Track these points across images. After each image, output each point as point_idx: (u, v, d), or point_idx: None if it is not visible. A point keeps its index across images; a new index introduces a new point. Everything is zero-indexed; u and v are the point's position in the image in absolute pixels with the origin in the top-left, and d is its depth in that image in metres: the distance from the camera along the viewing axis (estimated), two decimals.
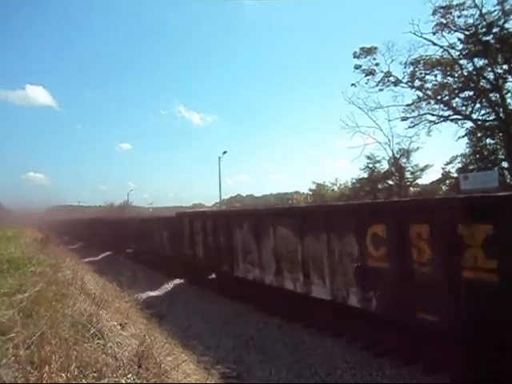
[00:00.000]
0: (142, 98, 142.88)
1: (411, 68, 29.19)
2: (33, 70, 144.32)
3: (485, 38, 24.84)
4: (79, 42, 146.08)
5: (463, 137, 28.44)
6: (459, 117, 28.15)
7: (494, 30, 24.44)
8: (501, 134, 26.20)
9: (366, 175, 35.70)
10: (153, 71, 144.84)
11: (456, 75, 28.32)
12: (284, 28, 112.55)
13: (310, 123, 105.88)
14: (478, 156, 28.09)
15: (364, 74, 31.07)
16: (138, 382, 2.81)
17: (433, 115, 29.46)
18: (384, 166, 34.91)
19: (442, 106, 28.99)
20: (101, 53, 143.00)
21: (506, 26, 24.29)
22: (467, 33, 25.98)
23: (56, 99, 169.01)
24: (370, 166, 35.25)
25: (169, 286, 13.93)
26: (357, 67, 31.21)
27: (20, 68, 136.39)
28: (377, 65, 30.60)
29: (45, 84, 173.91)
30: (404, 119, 30.46)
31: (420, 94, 29.76)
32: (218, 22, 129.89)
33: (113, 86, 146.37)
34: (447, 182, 31.90)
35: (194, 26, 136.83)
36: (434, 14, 26.62)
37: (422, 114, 29.81)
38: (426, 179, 35.03)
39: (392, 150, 33.35)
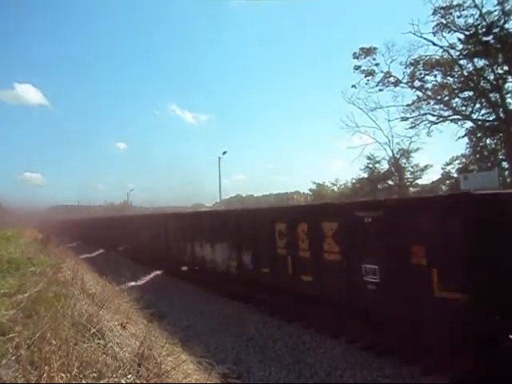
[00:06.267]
0: (135, 97, 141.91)
1: (411, 68, 29.24)
2: (20, 69, 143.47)
3: (485, 39, 24.84)
4: (69, 41, 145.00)
5: (463, 137, 28.56)
6: (459, 117, 28.19)
7: (494, 30, 24.45)
8: (501, 134, 26.22)
9: (365, 175, 35.75)
10: (145, 70, 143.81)
11: (456, 75, 28.36)
12: (278, 27, 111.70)
13: (309, 123, 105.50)
14: (478, 156, 28.12)
15: (364, 75, 31.12)
16: (138, 382, 2.81)
17: (433, 115, 29.55)
18: (384, 166, 34.99)
19: (441, 106, 29.03)
20: (93, 53, 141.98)
21: (506, 26, 24.35)
22: (467, 33, 25.99)
23: (47, 97, 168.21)
24: (370, 166, 35.30)
25: None
26: (356, 68, 31.29)
27: (6, 66, 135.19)
28: (377, 65, 30.67)
29: (34, 82, 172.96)
30: (404, 119, 30.55)
31: (420, 94, 29.85)
32: (207, 23, 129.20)
33: (106, 85, 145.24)
34: (447, 182, 31.92)
35: (184, 26, 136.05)
36: (434, 14, 26.69)
37: (422, 114, 29.90)
38: (426, 179, 35.13)
39: (392, 150, 33.44)
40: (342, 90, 34.50)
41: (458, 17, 26.21)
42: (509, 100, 26.03)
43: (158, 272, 16.37)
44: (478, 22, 25.23)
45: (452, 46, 27.28)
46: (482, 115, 27.29)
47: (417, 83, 29.58)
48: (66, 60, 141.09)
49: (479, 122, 27.30)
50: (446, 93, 28.64)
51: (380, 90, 31.07)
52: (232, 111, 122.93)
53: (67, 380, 2.43)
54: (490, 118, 26.86)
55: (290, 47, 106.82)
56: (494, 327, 4.94)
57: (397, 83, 30.27)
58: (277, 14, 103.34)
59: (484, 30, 24.93)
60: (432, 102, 29.38)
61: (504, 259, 4.72)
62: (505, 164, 26.53)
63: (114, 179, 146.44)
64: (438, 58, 28.21)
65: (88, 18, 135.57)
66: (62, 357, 2.58)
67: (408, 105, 30.06)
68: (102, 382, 2.61)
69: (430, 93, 29.26)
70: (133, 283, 13.39)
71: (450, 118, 28.81)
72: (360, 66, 31.12)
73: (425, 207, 5.91)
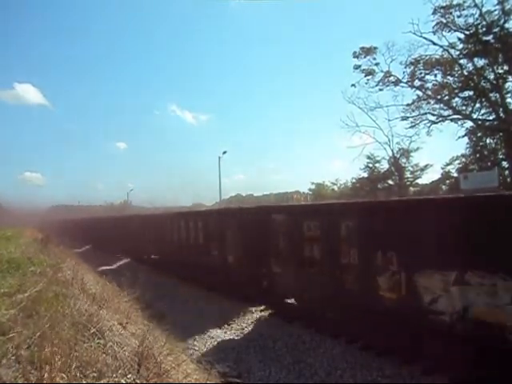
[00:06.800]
0: (135, 97, 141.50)
1: (411, 68, 29.22)
2: (20, 68, 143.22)
3: (485, 38, 24.83)
4: (69, 41, 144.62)
5: (463, 136, 28.55)
6: (459, 116, 28.17)
7: (494, 29, 24.45)
8: (501, 134, 26.22)
9: (365, 175, 35.76)
10: (145, 70, 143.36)
11: (456, 75, 28.35)
12: (278, 27, 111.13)
13: (309, 123, 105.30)
14: (478, 156, 28.11)
15: (364, 74, 31.13)
16: (138, 381, 2.81)
17: (433, 115, 29.53)
18: (384, 165, 35.01)
19: (442, 105, 29.03)
20: (93, 53, 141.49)
21: (506, 25, 24.34)
22: (467, 32, 25.98)
23: (47, 97, 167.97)
24: (370, 165, 35.32)
25: None
26: (356, 67, 31.28)
27: (6, 66, 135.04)
28: (377, 64, 30.65)
29: (34, 82, 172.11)
30: (404, 119, 30.52)
31: (420, 93, 29.83)
32: (207, 23, 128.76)
33: (106, 85, 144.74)
34: (447, 181, 31.92)
35: (184, 26, 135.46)
36: (434, 13, 26.68)
37: (422, 114, 29.87)
38: (426, 179, 35.14)
39: (392, 150, 33.43)
40: (342, 89, 34.57)
41: (458, 16, 26.23)
42: (509, 100, 26.07)
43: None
44: (478, 21, 25.24)
45: (452, 46, 27.29)
46: (482, 115, 27.31)
47: (417, 83, 29.60)
48: (66, 60, 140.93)
49: (479, 122, 27.29)
50: (446, 92, 28.63)
51: (380, 90, 31.08)
52: (232, 111, 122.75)
53: (68, 380, 2.43)
54: (490, 118, 26.87)
55: (290, 47, 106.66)
56: None
57: (397, 83, 30.28)
58: (277, 13, 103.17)
59: (484, 29, 24.92)
60: (432, 102, 29.39)
61: None
62: (505, 163, 26.53)
63: (114, 179, 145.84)
64: (438, 57, 28.21)
65: (88, 17, 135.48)
66: (62, 356, 2.58)
67: (408, 104, 30.08)
68: (102, 381, 2.61)
69: (430, 92, 29.26)
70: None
71: (450, 117, 28.81)
72: (360, 66, 31.12)
73: None
